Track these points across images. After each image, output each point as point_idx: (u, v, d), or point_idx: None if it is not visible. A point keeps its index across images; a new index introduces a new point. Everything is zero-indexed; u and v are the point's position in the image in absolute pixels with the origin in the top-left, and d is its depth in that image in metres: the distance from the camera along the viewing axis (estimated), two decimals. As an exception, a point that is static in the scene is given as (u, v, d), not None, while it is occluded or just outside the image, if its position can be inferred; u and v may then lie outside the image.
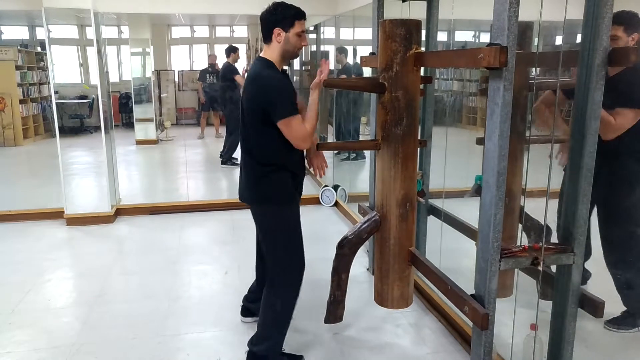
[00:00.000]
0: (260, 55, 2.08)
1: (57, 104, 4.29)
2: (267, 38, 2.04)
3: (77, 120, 9.57)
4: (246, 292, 2.60)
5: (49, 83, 4.19)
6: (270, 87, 1.98)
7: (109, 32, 10.38)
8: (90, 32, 4.21)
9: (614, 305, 2.45)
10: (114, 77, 10.48)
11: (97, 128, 4.34)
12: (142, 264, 3.40)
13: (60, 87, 9.79)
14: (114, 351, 2.34)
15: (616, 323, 2.44)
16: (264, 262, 2.31)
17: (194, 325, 2.58)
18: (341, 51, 6.18)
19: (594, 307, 1.71)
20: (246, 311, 2.58)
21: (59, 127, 4.40)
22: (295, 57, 2.14)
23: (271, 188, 2.09)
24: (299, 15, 2.03)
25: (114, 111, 9.50)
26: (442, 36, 3.16)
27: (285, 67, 2.21)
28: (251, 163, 2.09)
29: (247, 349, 2.21)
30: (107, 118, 4.35)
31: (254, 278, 2.54)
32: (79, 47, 10.21)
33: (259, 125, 2.01)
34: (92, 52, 4.25)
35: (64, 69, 10.38)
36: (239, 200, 2.22)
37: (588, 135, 1.63)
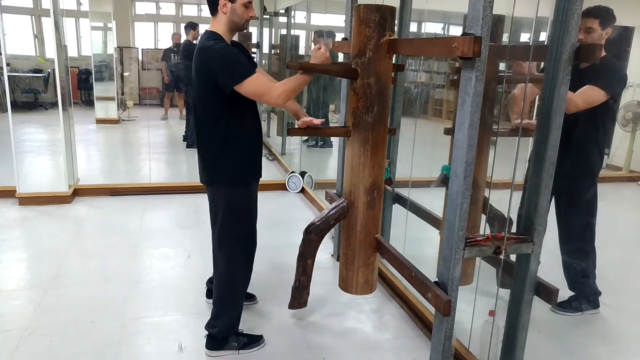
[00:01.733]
0: (207, 29, 2.03)
1: (8, 77, 4.04)
2: (213, 9, 1.99)
3: (30, 95, 9.12)
4: (211, 275, 2.57)
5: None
6: (215, 55, 1.92)
7: (67, 3, 9.90)
8: (47, 2, 3.98)
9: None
10: (72, 52, 10.02)
11: (53, 104, 4.15)
12: (102, 247, 3.29)
13: (12, 59, 9.33)
14: (70, 335, 2.27)
15: (563, 306, 2.57)
16: None
17: (155, 309, 2.52)
18: (319, 35, 6.10)
19: (549, 294, 1.78)
20: (211, 293, 2.55)
21: (11, 102, 4.15)
22: (243, 30, 2.09)
23: (225, 168, 2.06)
24: None
25: (73, 88, 9.15)
26: (412, 27, 3.17)
27: (235, 39, 2.16)
28: (205, 141, 2.07)
29: (206, 333, 2.20)
30: (65, 94, 4.14)
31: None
32: (33, 17, 9.70)
33: (211, 99, 1.98)
34: (48, 23, 4.04)
35: (17, 39, 9.89)
36: (201, 183, 2.19)
37: (552, 129, 1.68)
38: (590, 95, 2.24)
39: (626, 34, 5.66)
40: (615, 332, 2.52)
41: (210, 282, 2.58)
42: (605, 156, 6.09)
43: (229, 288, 2.19)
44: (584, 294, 2.57)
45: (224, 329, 2.18)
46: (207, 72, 1.94)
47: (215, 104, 1.99)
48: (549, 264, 2.57)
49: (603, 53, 2.31)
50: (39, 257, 3.10)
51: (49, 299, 2.58)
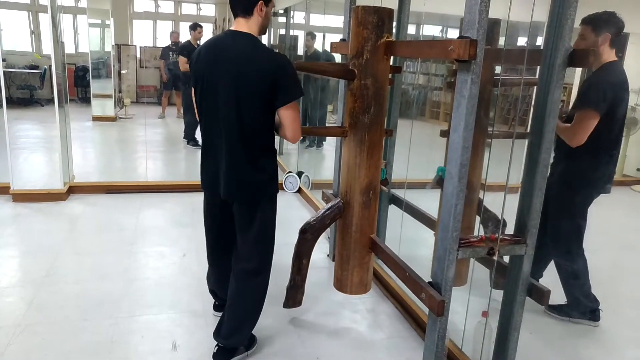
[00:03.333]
0: (236, 29, 1.88)
1: (4, 72, 4.03)
2: (247, 11, 1.85)
3: (26, 91, 9.08)
4: (212, 288, 2.41)
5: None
6: (288, 65, 1.83)
7: None
8: (47, -2, 3.97)
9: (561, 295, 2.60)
10: (70, 49, 9.99)
11: (49, 101, 4.15)
12: (96, 244, 3.28)
13: (8, 55, 9.29)
14: (62, 332, 2.26)
15: (555, 309, 2.59)
16: (228, 253, 2.17)
17: (149, 308, 2.52)
18: (312, 37, 6.12)
19: (541, 295, 1.80)
20: (220, 308, 2.38)
21: (7, 98, 4.13)
22: (265, 33, 2.05)
23: (272, 181, 2.01)
24: None
25: (69, 84, 9.13)
26: (410, 29, 3.19)
27: None
28: (245, 154, 1.89)
29: (216, 343, 2.12)
30: (61, 91, 4.13)
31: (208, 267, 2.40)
32: (30, 12, 9.66)
33: (260, 109, 1.85)
34: (45, 19, 4.02)
35: (13, 35, 9.85)
36: (226, 199, 2.04)
37: (546, 132, 1.70)
38: (580, 123, 2.24)
39: (620, 39, 5.70)
40: (606, 334, 2.54)
41: (220, 298, 2.37)
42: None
43: (260, 302, 2.12)
44: (575, 301, 2.56)
45: (243, 342, 2.13)
46: (268, 84, 1.80)
47: (266, 116, 1.88)
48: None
49: (610, 59, 2.30)
50: (33, 254, 3.09)
51: (41, 296, 2.57)
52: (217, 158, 1.96)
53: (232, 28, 1.93)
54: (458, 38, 1.54)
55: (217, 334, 2.12)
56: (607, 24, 2.26)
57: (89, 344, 2.19)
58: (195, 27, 6.14)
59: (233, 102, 1.84)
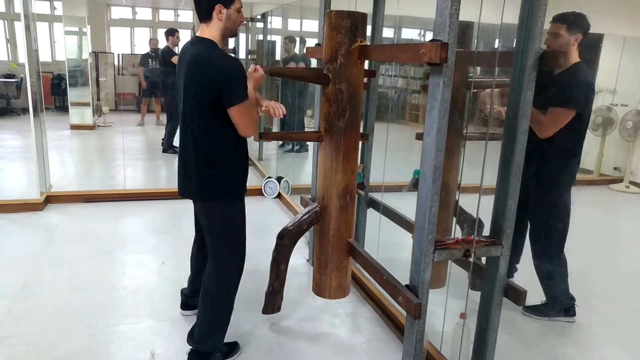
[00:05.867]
0: (198, 35, 1.94)
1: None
2: (206, 16, 1.89)
3: (2, 100, 8.91)
4: (185, 285, 2.54)
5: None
6: (226, 69, 1.84)
7: (40, 7, 9.73)
8: (18, 6, 3.90)
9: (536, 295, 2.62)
10: (45, 57, 9.84)
11: (26, 110, 4.05)
12: (74, 254, 3.22)
13: (-17, 64, 9.11)
14: (40, 344, 2.21)
15: (533, 310, 2.62)
16: (202, 254, 2.25)
17: (127, 317, 2.48)
18: (291, 40, 6.13)
19: (517, 296, 1.82)
20: (186, 305, 2.52)
21: (-19, 107, 4.05)
22: (235, 36, 2.03)
23: (222, 182, 1.99)
24: None
25: (45, 93, 8.98)
26: (389, 32, 3.21)
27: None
28: (197, 154, 1.96)
29: (189, 347, 2.12)
30: (36, 100, 4.06)
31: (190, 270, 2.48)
32: (5, 21, 9.50)
33: (210, 111, 1.88)
34: (20, 27, 3.95)
35: (-12, 44, 9.66)
36: (182, 196, 2.11)
37: (519, 134, 1.72)
38: (557, 120, 2.29)
39: (595, 40, 5.83)
40: (584, 333, 2.58)
41: (187, 294, 2.51)
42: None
43: (225, 304, 2.11)
44: (557, 301, 2.59)
45: (213, 345, 2.11)
46: (211, 86, 1.83)
47: (215, 116, 1.89)
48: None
49: (577, 59, 2.34)
50: (9, 266, 3.01)
51: (17, 308, 2.51)
52: (181, 158, 2.06)
53: (197, 34, 1.96)
54: (429, 41, 1.55)
55: (190, 337, 2.13)
56: (579, 25, 2.29)
57: (67, 355, 2.14)
58: (173, 33, 6.10)
59: (187, 105, 1.94)
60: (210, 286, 2.09)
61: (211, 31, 1.92)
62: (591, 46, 5.85)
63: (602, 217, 4.86)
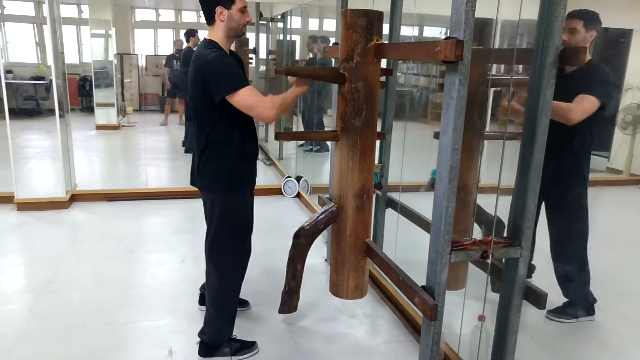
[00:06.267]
0: (205, 37, 2.04)
1: (10, 84, 4.08)
2: (210, 19, 2.00)
3: (32, 102, 9.17)
4: (204, 281, 2.57)
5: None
6: (208, 64, 1.91)
7: (68, 10, 9.98)
8: (47, 10, 4.01)
9: (556, 297, 2.56)
10: (73, 59, 10.09)
11: (54, 111, 4.16)
12: (97, 252, 3.29)
13: (14, 67, 9.40)
14: (60, 340, 2.27)
15: (557, 312, 2.55)
16: None
17: (147, 314, 2.52)
18: (314, 40, 6.11)
19: (537, 298, 1.77)
20: (204, 299, 2.55)
21: (13, 109, 4.19)
22: (241, 35, 2.10)
23: (222, 176, 2.05)
24: None
25: (73, 94, 9.21)
26: (410, 31, 3.18)
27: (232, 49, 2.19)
28: (199, 148, 2.06)
29: (199, 339, 2.19)
30: (62, 101, 4.17)
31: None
32: (35, 25, 9.78)
33: (206, 106, 1.98)
34: (48, 31, 4.06)
35: (20, 47, 9.96)
36: (193, 186, 2.20)
37: (538, 132, 1.67)
38: (586, 104, 2.23)
39: (624, 36, 5.65)
40: (611, 337, 2.50)
41: (203, 288, 2.58)
42: (605, 159, 6.06)
43: (221, 295, 2.17)
44: (579, 301, 2.54)
45: (215, 337, 2.17)
46: (201, 80, 1.94)
47: (209, 111, 1.99)
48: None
49: (588, 57, 2.31)
50: (35, 262, 3.11)
51: (42, 303, 2.58)
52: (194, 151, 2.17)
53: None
54: (444, 39, 1.53)
55: (201, 331, 2.21)
56: (595, 22, 2.26)
57: (87, 350, 2.19)
58: (193, 34, 6.18)
59: (191, 100, 2.07)
60: (210, 281, 2.15)
61: (215, 32, 2.00)
62: (619, 42, 5.68)
63: (631, 217, 4.70)
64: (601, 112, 2.28)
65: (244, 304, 2.58)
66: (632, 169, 5.85)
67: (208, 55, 1.92)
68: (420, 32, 5.99)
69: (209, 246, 2.15)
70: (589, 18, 2.24)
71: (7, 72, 8.85)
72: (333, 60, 2.94)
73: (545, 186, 2.41)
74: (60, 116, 4.15)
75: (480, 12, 1.55)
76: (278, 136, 2.18)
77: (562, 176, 2.40)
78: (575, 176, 2.43)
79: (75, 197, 4.30)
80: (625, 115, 5.55)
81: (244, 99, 1.91)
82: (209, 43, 1.99)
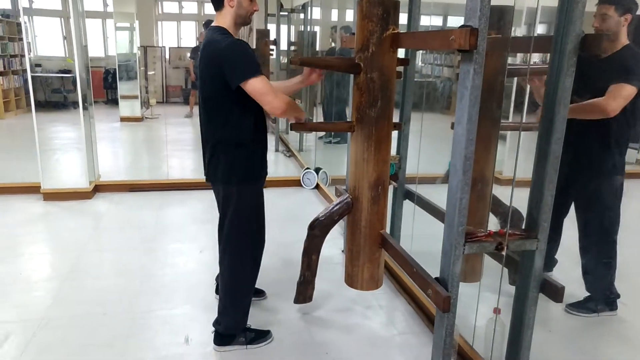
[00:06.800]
0: (212, 24, 2.02)
1: (38, 77, 4.20)
2: (219, 5, 1.98)
3: (60, 95, 9.39)
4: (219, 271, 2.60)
5: (22, 56, 4.11)
6: (225, 49, 1.88)
7: (93, 4, 10.16)
8: (70, 4, 4.09)
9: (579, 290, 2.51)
10: (98, 52, 10.28)
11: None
12: (118, 241, 3.37)
13: (42, 60, 9.64)
14: (81, 327, 2.33)
15: (577, 307, 2.50)
16: None
17: (165, 303, 2.57)
18: (347, 30, 6.02)
19: (554, 292, 1.73)
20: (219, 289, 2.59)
21: (41, 101, 4.31)
22: (248, 23, 2.09)
23: (236, 167, 2.05)
24: None
25: (98, 87, 9.38)
26: (434, 21, 3.13)
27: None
28: (214, 139, 2.04)
29: (213, 329, 2.22)
30: (85, 94, 4.26)
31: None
32: (62, 19, 9.98)
33: (221, 95, 1.95)
34: (72, 24, 4.15)
35: (47, 41, 10.20)
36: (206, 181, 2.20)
37: (556, 122, 1.63)
38: (622, 93, 2.12)
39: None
40: (632, 333, 2.44)
41: (218, 278, 2.61)
42: (635, 151, 5.86)
43: (235, 286, 2.19)
44: (601, 295, 2.48)
45: (230, 326, 2.19)
46: (216, 67, 1.90)
47: (226, 101, 1.96)
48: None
49: (626, 41, 2.21)
50: (59, 251, 3.21)
51: (65, 291, 2.66)
52: (203, 142, 2.14)
53: (212, 23, 2.05)
54: (460, 27, 1.50)
55: (216, 320, 2.23)
56: (629, 4, 2.16)
57: (107, 337, 2.25)
58: (209, 24, 6.20)
59: (201, 91, 2.04)
60: (224, 271, 2.18)
61: (224, 19, 1.99)
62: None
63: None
64: (638, 99, 2.19)
65: (260, 293, 2.60)
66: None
67: (222, 42, 1.90)
68: (444, 22, 5.88)
69: (224, 238, 2.17)
70: (620, 1, 2.15)
71: (36, 65, 9.08)
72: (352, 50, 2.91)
73: (575, 178, 2.35)
74: (84, 109, 4.24)
75: (499, 0, 1.52)
76: (293, 127, 2.18)
77: (593, 168, 2.33)
78: (609, 168, 2.34)
79: (99, 188, 4.40)
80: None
81: (261, 85, 1.88)
82: (218, 29, 1.97)
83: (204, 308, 2.52)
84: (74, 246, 3.23)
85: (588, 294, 2.51)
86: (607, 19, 2.18)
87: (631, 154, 5.83)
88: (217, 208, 2.26)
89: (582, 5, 1.57)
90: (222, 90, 1.93)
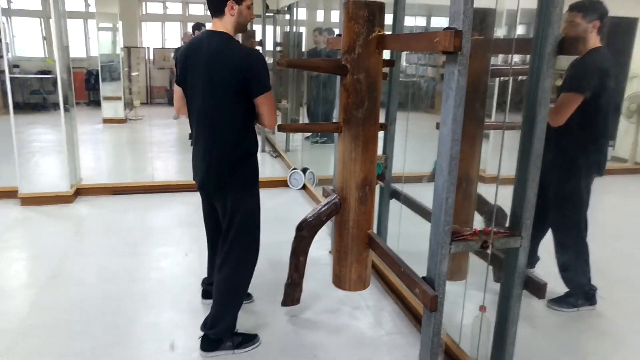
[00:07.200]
0: (211, 29, 2.01)
1: (17, 78, 4.12)
2: (219, 12, 1.99)
3: (39, 96, 9.23)
4: (205, 275, 2.58)
5: (1, 57, 4.05)
6: (252, 60, 1.93)
7: (75, 4, 10.00)
8: (51, 4, 4.01)
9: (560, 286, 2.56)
10: (80, 53, 10.12)
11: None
12: (101, 246, 3.32)
13: (21, 61, 9.46)
14: (61, 335, 2.28)
15: (558, 302, 2.55)
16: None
17: (150, 308, 2.54)
18: (319, 32, 6.06)
19: (537, 288, 1.76)
20: (207, 294, 2.56)
21: (19, 103, 4.22)
22: (245, 31, 2.13)
23: (248, 172, 2.08)
24: None
25: (79, 88, 9.24)
26: (416, 21, 3.15)
27: None
28: (221, 145, 2.01)
29: (202, 333, 2.19)
30: (67, 95, 4.19)
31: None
32: (41, 19, 9.81)
33: (235, 101, 1.96)
34: (53, 25, 4.08)
35: (26, 41, 10.01)
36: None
37: (537, 122, 1.66)
38: (565, 106, 2.25)
39: (630, 25, 5.57)
40: (612, 327, 2.49)
41: (204, 283, 2.59)
42: (610, 148, 6.00)
43: (235, 292, 2.18)
44: (580, 290, 2.54)
45: (223, 331, 2.17)
46: (238, 75, 1.91)
47: (238, 109, 1.98)
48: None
49: (597, 44, 2.30)
50: (38, 257, 3.14)
51: (45, 298, 2.60)
52: (199, 151, 2.09)
53: (209, 28, 2.03)
54: (444, 30, 1.51)
55: (204, 324, 2.20)
56: (596, 11, 2.26)
57: (91, 346, 2.21)
58: (200, 27, 6.16)
59: (208, 97, 1.97)
60: (223, 278, 2.15)
61: (224, 25, 2.00)
62: (626, 31, 5.59)
63: (636, 206, 4.65)
64: (596, 101, 2.27)
65: (248, 297, 2.59)
66: (637, 157, 5.79)
67: (243, 51, 1.95)
68: (428, 22, 5.94)
69: (229, 243, 2.13)
70: (588, 8, 2.25)
71: (14, 66, 8.90)
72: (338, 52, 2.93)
73: (547, 177, 2.39)
74: (65, 110, 4.18)
75: (481, 3, 1.53)
76: (280, 128, 2.18)
77: (557, 166, 2.39)
78: (571, 166, 2.42)
79: (80, 191, 4.33)
80: (630, 103, 5.49)
81: (270, 100, 1.98)
82: (226, 36, 1.97)
83: (190, 313, 2.49)
84: (54, 252, 3.17)
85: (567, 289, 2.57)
86: (576, 26, 2.28)
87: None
88: (206, 215, 2.31)
89: (559, 9, 1.60)
90: (238, 98, 1.95)
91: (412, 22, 2.87)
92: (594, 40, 2.30)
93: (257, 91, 1.93)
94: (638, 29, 5.64)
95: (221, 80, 1.93)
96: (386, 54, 2.18)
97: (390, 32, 2.61)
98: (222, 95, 1.95)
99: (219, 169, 2.04)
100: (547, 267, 2.63)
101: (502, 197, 1.87)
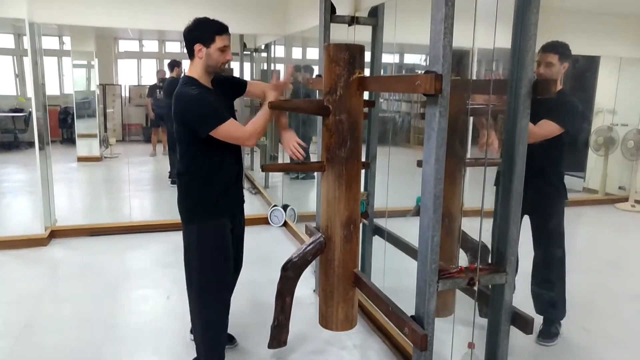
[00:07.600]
0: (185, 73, 2.12)
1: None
2: (190, 54, 2.06)
3: (10, 134, 9.05)
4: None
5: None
6: (189, 103, 2.00)
7: (49, 42, 9.97)
8: (27, 42, 3.98)
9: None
10: (54, 90, 10.02)
11: (33, 143, 4.08)
12: (77, 290, 3.20)
13: (-7, 100, 9.29)
14: (41, 385, 2.19)
15: (545, 337, 2.58)
16: None
17: (131, 355, 2.45)
18: (297, 69, 6.16)
19: (525, 323, 1.78)
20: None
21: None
22: (220, 72, 2.15)
23: (192, 205, 2.13)
24: (220, 30, 2.04)
25: (53, 126, 9.11)
26: (392, 58, 3.24)
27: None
28: (180, 179, 2.16)
29: None
30: (42, 133, 4.12)
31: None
32: (14, 57, 9.73)
33: (187, 139, 2.07)
34: (28, 63, 4.04)
35: (-2, 80, 9.87)
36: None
37: (517, 159, 1.72)
38: (547, 128, 2.36)
39: (593, 63, 5.88)
40: (595, 358, 2.51)
41: None
42: (581, 179, 6.21)
43: (204, 329, 2.16)
44: (556, 317, 2.59)
45: None
46: (182, 117, 2.03)
47: (189, 144, 2.08)
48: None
49: (560, 87, 2.43)
50: (11, 304, 3.00)
51: (19, 349, 2.48)
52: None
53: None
54: (424, 73, 1.57)
55: None
56: (567, 54, 2.40)
57: (67, 397, 2.11)
58: (178, 64, 6.22)
59: (174, 134, 2.15)
60: (192, 314, 2.19)
61: (194, 68, 2.07)
62: (589, 68, 5.90)
63: (608, 237, 4.78)
64: (565, 135, 2.40)
65: (231, 340, 2.53)
66: (607, 188, 6.00)
67: (188, 93, 2.00)
68: (402, 58, 6.13)
69: (187, 278, 2.18)
70: (563, 51, 2.38)
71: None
72: (317, 91, 2.98)
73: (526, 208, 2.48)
74: (40, 149, 4.09)
75: (456, 42, 1.60)
76: (264, 168, 2.19)
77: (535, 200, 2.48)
78: (549, 200, 2.51)
79: (55, 233, 4.20)
80: (597, 137, 5.72)
81: (227, 132, 2.01)
82: (187, 79, 2.06)
83: (173, 356, 2.42)
84: (28, 298, 3.04)
85: (542, 317, 2.60)
86: (552, 67, 2.40)
87: (578, 182, 6.17)
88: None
89: (532, 52, 1.69)
90: (188, 134, 2.05)
91: (389, 59, 2.97)
92: (559, 83, 2.42)
93: (202, 132, 1.99)
94: (600, 67, 5.95)
95: (174, 120, 2.07)
96: (366, 94, 2.24)
97: (368, 70, 2.70)
98: (178, 133, 2.10)
99: (178, 197, 2.20)
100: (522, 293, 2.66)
101: (477, 230, 1.90)
